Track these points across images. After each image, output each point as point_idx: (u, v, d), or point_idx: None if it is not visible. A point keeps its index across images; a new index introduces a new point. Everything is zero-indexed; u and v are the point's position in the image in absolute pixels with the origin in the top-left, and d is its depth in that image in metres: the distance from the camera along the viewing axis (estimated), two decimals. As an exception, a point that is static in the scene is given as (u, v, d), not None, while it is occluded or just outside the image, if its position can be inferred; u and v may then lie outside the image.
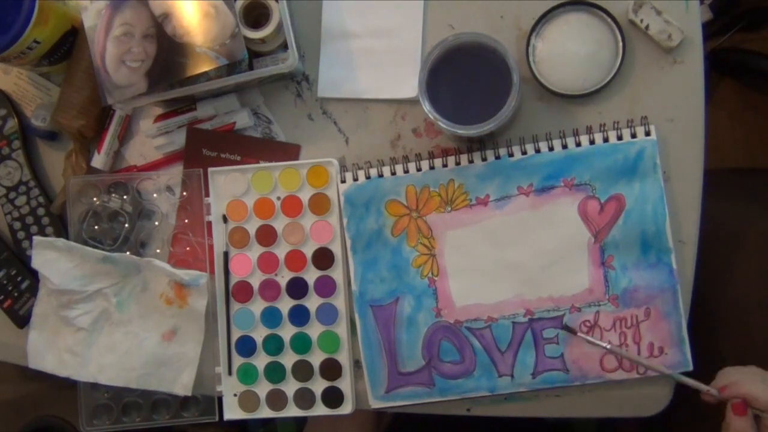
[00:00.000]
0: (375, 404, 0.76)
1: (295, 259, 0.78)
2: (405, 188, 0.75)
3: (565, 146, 0.72)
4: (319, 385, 0.78)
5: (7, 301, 0.82)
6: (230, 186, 0.79)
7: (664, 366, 0.71)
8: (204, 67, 0.71)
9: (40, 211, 0.82)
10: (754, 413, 0.63)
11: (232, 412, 0.79)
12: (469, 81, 0.67)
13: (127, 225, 0.80)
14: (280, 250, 0.78)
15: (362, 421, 0.94)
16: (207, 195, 0.79)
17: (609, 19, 0.70)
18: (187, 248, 0.80)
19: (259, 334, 0.79)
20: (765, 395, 0.62)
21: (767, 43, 1.20)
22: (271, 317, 0.79)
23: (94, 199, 0.80)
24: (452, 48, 0.66)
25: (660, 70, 0.72)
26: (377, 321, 0.76)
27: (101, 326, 0.80)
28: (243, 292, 0.79)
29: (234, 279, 0.79)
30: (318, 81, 0.78)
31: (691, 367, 0.71)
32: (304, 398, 0.79)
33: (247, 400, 0.79)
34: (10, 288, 0.82)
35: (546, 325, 0.73)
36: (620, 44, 0.70)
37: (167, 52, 0.71)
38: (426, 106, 0.66)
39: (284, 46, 0.75)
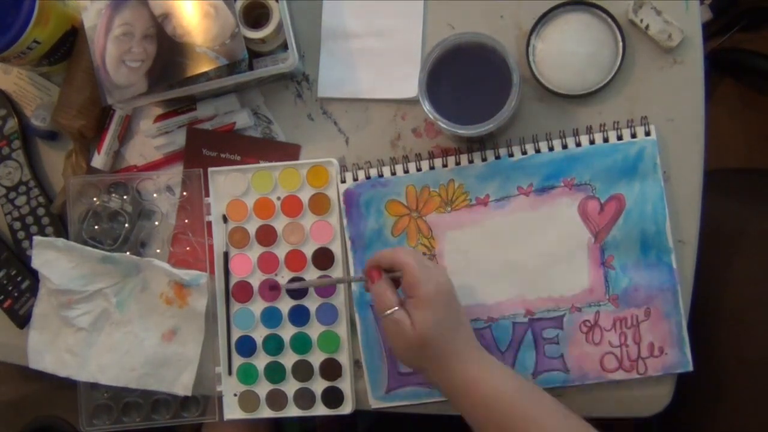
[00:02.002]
0: (375, 404, 0.76)
1: (295, 259, 0.78)
2: (405, 188, 0.75)
3: (565, 146, 0.72)
4: (319, 385, 0.78)
5: (7, 301, 0.82)
6: (230, 186, 0.79)
7: (664, 366, 0.71)
8: (204, 67, 0.71)
9: (40, 211, 0.82)
10: (393, 278, 0.65)
11: (232, 412, 0.79)
12: (469, 81, 0.67)
13: (127, 225, 0.80)
14: (280, 250, 0.78)
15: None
16: (207, 195, 0.79)
17: (609, 19, 0.70)
18: (187, 248, 0.80)
19: (259, 334, 0.79)
20: (385, 252, 0.65)
21: (767, 43, 1.20)
22: (271, 317, 0.79)
23: (94, 199, 0.80)
24: (452, 48, 0.66)
25: (660, 70, 0.72)
26: (377, 321, 0.76)
27: (101, 326, 0.80)
28: (243, 292, 0.79)
29: (234, 279, 0.79)
30: (318, 81, 0.78)
31: (691, 367, 0.71)
32: (304, 398, 0.79)
33: (247, 400, 0.79)
34: (10, 288, 0.82)
35: (546, 325, 0.73)
36: (620, 44, 0.70)
37: (167, 52, 0.71)
38: (426, 106, 0.66)
39: (284, 46, 0.75)
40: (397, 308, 0.63)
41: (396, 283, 0.65)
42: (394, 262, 0.64)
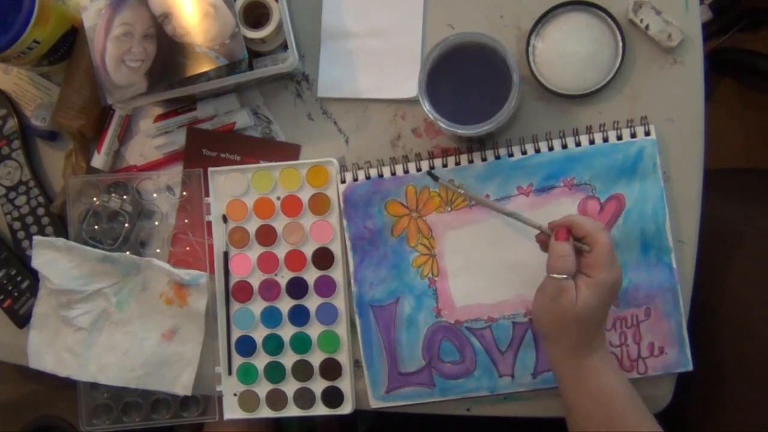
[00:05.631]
0: (375, 404, 0.76)
1: (295, 259, 0.78)
2: (405, 188, 0.75)
3: (565, 146, 0.72)
4: (319, 385, 0.78)
5: (7, 301, 0.82)
6: (230, 186, 0.79)
7: (664, 366, 0.71)
8: (204, 67, 0.71)
9: (40, 211, 0.82)
10: (576, 247, 0.63)
11: (232, 412, 0.79)
12: (469, 81, 0.67)
13: (127, 225, 0.80)
14: (280, 250, 0.78)
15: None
16: (207, 195, 0.79)
17: (609, 19, 0.70)
18: (187, 248, 0.80)
19: (259, 334, 0.79)
20: (588, 222, 0.63)
21: (767, 43, 1.20)
22: (271, 317, 0.79)
23: (94, 199, 0.80)
24: (452, 48, 0.66)
25: (660, 70, 0.72)
26: (377, 321, 0.76)
27: (101, 326, 0.80)
28: (243, 292, 0.79)
29: (234, 279, 0.79)
30: (318, 81, 0.78)
31: (691, 367, 0.71)
32: (304, 398, 0.79)
33: (247, 400, 0.79)
34: (10, 288, 0.82)
35: (546, 325, 0.73)
36: (620, 44, 0.70)
37: (167, 52, 0.71)
38: (426, 106, 0.66)
39: (284, 46, 0.75)
40: (569, 277, 0.62)
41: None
42: (590, 236, 0.62)
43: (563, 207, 0.72)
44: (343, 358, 0.78)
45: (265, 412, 0.79)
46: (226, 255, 0.79)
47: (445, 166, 0.74)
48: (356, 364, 0.78)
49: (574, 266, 0.62)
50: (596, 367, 0.63)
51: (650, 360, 0.71)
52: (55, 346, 0.80)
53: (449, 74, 0.66)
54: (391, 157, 0.77)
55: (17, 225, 0.82)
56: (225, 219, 0.79)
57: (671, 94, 0.71)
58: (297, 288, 0.78)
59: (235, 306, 0.79)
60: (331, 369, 0.78)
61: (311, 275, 0.78)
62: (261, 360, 0.79)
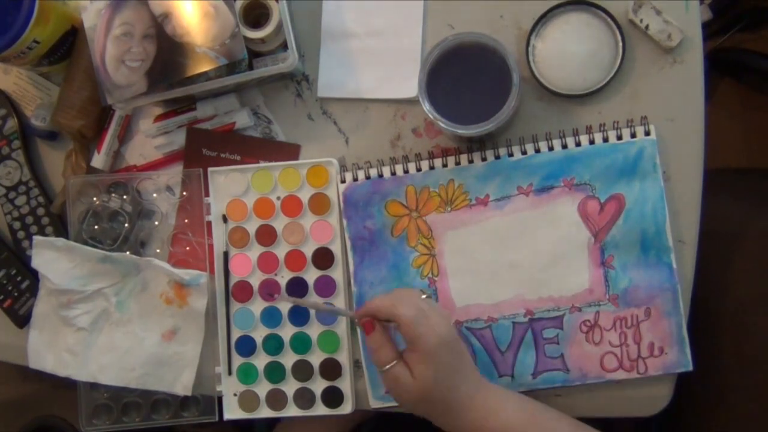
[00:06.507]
0: (375, 404, 0.76)
1: (295, 258, 0.78)
2: (405, 188, 0.75)
3: (564, 146, 0.72)
4: (319, 385, 0.78)
5: (7, 301, 0.82)
6: (230, 186, 0.79)
7: (664, 366, 0.71)
8: (204, 67, 0.71)
9: (40, 211, 0.82)
10: (387, 326, 0.63)
11: (232, 412, 0.79)
12: (469, 81, 0.67)
13: (127, 225, 0.80)
14: (280, 250, 0.78)
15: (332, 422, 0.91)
16: (207, 195, 0.79)
17: (609, 19, 0.70)
18: (187, 248, 0.80)
19: (259, 333, 0.79)
20: (381, 302, 0.62)
21: (767, 43, 1.20)
22: (270, 317, 0.79)
23: (94, 199, 0.80)
24: (452, 48, 0.66)
25: (660, 70, 0.72)
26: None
27: (101, 326, 0.80)
28: (243, 291, 0.79)
29: (234, 279, 0.79)
30: (318, 81, 0.78)
31: (691, 367, 0.71)
32: (304, 398, 0.79)
33: (247, 400, 0.79)
34: (10, 288, 0.82)
35: (546, 325, 0.73)
36: (620, 44, 0.70)
37: (167, 52, 0.71)
38: (426, 106, 0.66)
39: (284, 46, 0.75)
40: (395, 362, 0.61)
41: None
42: (391, 316, 0.61)
43: (563, 207, 0.72)
44: (343, 358, 0.78)
45: (265, 412, 0.79)
46: (226, 255, 0.79)
47: (445, 166, 0.74)
48: (356, 364, 0.78)
49: (392, 351, 0.61)
50: (482, 416, 0.61)
51: (650, 360, 0.71)
52: (55, 346, 0.80)
53: (449, 74, 0.67)
54: (391, 157, 0.77)
55: (17, 225, 0.82)
56: (225, 219, 0.79)
57: (671, 94, 0.71)
58: (297, 288, 0.78)
59: (235, 306, 0.79)
60: (331, 369, 0.78)
61: (311, 275, 0.78)
62: (261, 360, 0.79)
